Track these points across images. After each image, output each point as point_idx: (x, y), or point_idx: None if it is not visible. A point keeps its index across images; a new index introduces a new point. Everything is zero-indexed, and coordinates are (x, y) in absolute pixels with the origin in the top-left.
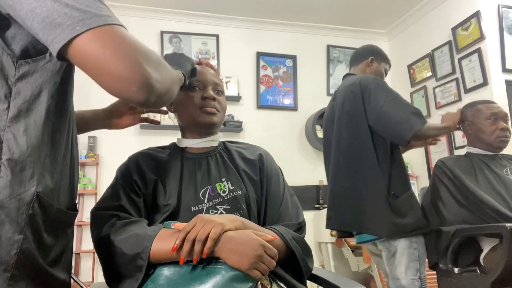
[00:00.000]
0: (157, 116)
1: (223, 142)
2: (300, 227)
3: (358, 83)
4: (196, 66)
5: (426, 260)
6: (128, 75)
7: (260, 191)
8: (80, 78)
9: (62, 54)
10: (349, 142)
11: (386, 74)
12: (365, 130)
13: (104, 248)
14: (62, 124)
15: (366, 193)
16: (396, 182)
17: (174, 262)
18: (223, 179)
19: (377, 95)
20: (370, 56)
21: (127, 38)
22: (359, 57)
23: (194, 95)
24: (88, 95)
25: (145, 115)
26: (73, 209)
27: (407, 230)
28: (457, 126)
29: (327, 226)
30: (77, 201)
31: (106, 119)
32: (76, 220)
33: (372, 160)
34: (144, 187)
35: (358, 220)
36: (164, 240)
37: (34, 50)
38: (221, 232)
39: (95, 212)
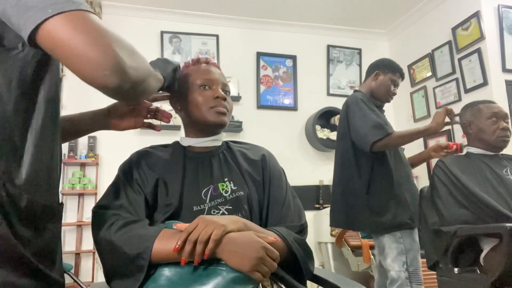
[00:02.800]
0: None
1: (226, 142)
2: (302, 229)
3: (345, 103)
4: (205, 65)
5: (424, 259)
6: (100, 59)
7: (262, 192)
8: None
9: (33, 39)
10: (339, 154)
11: (395, 84)
12: (349, 144)
13: (105, 248)
14: (37, 118)
15: (348, 197)
16: (375, 187)
17: (175, 263)
18: (226, 179)
19: (354, 112)
20: (376, 70)
21: (99, 24)
22: (367, 73)
23: (205, 94)
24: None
25: (149, 120)
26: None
27: (386, 227)
28: (443, 126)
29: (329, 224)
30: (61, 201)
31: (104, 117)
32: (76, 220)
33: (353, 169)
34: (146, 186)
35: (346, 219)
36: (165, 240)
37: (7, 39)
38: (223, 234)
39: (96, 211)
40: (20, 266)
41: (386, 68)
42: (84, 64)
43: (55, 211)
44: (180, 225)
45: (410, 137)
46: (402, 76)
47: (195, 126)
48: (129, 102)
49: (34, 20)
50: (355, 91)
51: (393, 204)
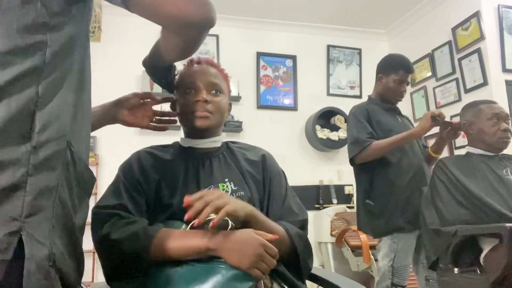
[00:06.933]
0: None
1: (226, 143)
2: (304, 224)
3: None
4: (196, 65)
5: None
6: None
7: (263, 191)
8: None
9: None
10: None
11: (402, 82)
12: None
13: (105, 247)
14: (87, 82)
15: (357, 201)
16: (373, 194)
17: (174, 262)
18: (226, 180)
19: (348, 125)
20: (379, 73)
21: None
22: (376, 79)
23: (187, 99)
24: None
25: (154, 124)
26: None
27: (381, 232)
28: (428, 130)
29: None
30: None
31: (113, 107)
32: None
33: (357, 178)
34: (147, 186)
35: (357, 222)
36: (164, 239)
37: None
38: (232, 213)
39: (96, 211)
40: (70, 240)
41: (387, 68)
42: None
43: (94, 182)
44: (188, 199)
45: (391, 145)
46: (408, 70)
47: (187, 129)
48: (186, 43)
49: None
50: (368, 96)
51: (390, 208)
